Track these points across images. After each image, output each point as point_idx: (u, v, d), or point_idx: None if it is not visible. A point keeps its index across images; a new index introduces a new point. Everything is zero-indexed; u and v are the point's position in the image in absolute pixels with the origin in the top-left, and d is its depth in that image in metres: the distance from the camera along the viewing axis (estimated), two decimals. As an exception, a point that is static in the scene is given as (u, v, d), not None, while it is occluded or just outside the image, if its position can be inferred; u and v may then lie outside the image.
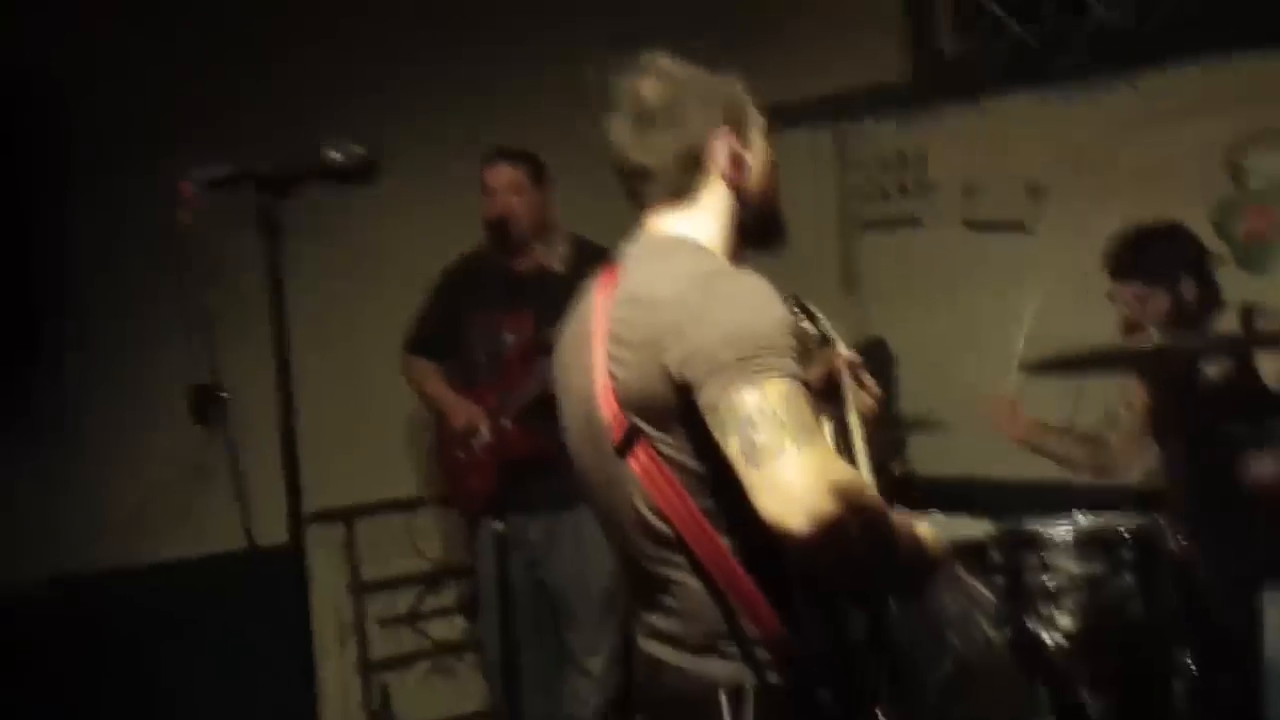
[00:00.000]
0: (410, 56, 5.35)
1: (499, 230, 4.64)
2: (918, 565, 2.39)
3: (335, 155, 2.20)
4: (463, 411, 4.71)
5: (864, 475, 2.45)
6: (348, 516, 5.18)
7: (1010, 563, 3.61)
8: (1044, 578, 3.52)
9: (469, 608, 5.42)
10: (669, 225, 2.43)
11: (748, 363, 2.13)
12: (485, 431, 4.65)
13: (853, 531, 2.09)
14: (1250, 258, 4.78)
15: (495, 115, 5.34)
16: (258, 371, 4.86)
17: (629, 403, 2.26)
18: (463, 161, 4.83)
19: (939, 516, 4.61)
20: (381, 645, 5.33)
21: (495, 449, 4.65)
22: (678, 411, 2.21)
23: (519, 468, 4.59)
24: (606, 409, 2.29)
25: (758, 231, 2.48)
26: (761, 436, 2.10)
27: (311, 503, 4.93)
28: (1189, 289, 4.13)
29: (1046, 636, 3.49)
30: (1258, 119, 4.72)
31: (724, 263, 2.38)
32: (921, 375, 5.47)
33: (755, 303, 2.22)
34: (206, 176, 2.13)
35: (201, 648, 4.80)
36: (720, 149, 2.41)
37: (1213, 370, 4.19)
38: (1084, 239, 4.80)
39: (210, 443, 4.88)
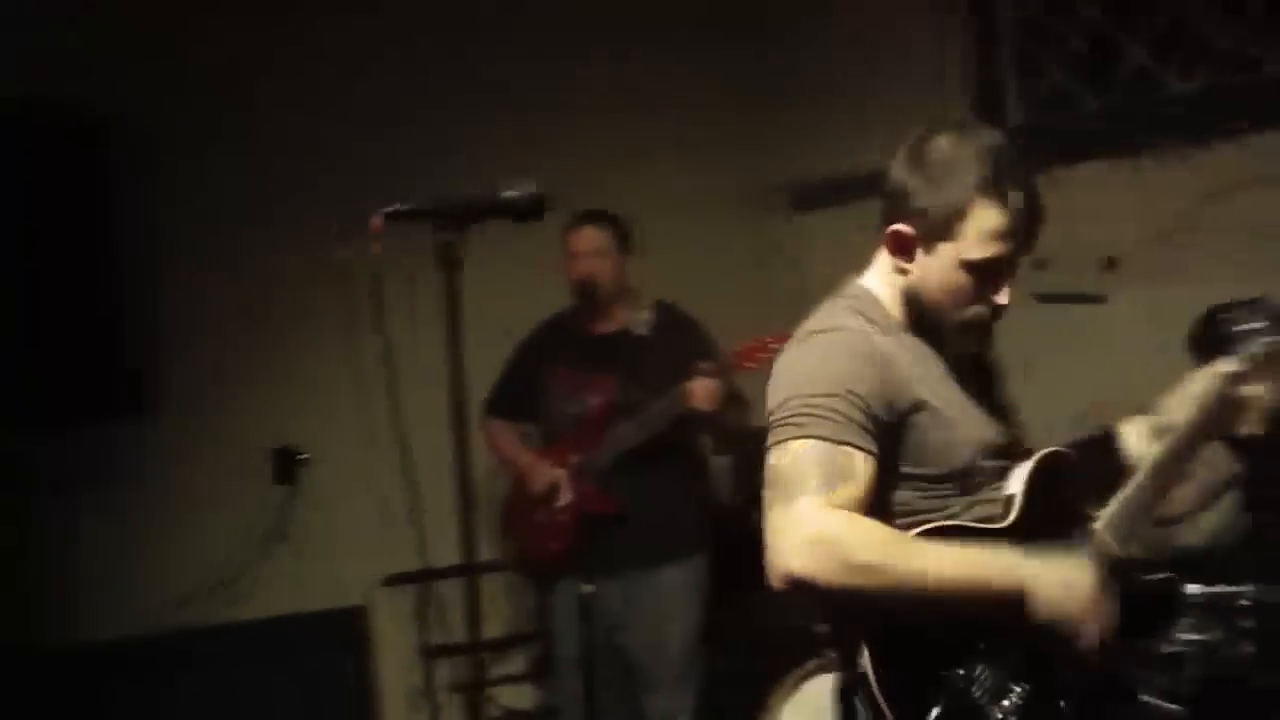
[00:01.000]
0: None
1: (583, 293, 4.64)
2: (978, 600, 2.36)
3: (512, 193, 2.19)
4: (543, 473, 4.68)
5: None
6: (419, 580, 5.11)
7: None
8: (1161, 646, 3.46)
9: (538, 674, 5.36)
10: (871, 268, 2.60)
11: (785, 423, 2.37)
12: (567, 492, 4.62)
13: (838, 582, 2.25)
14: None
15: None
16: (338, 432, 4.93)
17: None
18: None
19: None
20: (450, 712, 5.25)
21: (575, 510, 4.61)
22: None
23: (598, 529, 4.56)
24: None
25: (925, 329, 2.56)
26: (770, 493, 2.34)
27: (384, 567, 5.01)
28: None
29: (1163, 706, 3.42)
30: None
31: (849, 322, 2.49)
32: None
33: (821, 366, 2.40)
34: (390, 211, 2.13)
35: (273, 710, 4.74)
36: (892, 241, 2.51)
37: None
38: (1161, 310, 4.78)
39: (291, 503, 4.93)
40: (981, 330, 2.53)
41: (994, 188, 2.40)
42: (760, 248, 5.74)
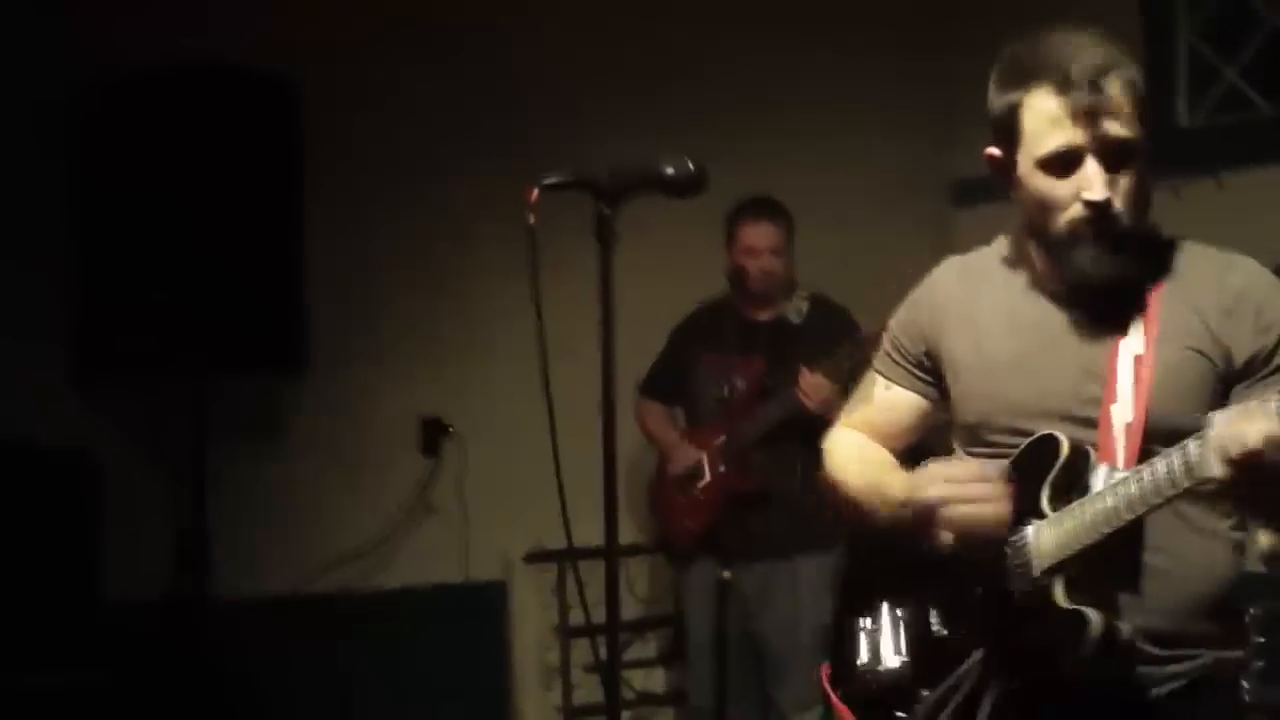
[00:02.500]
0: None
1: (754, 288, 4.62)
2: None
3: (669, 170, 2.19)
4: (684, 454, 4.70)
5: None
6: (558, 559, 5.14)
7: (1272, 644, 3.47)
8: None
9: (670, 659, 5.37)
10: None
11: None
12: (706, 473, 4.63)
13: (828, 487, 2.59)
14: None
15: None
16: (488, 405, 4.97)
17: None
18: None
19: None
20: (584, 691, 5.27)
21: (714, 491, 4.62)
22: None
23: (737, 512, 4.56)
24: None
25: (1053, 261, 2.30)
26: None
27: (525, 543, 5.05)
28: None
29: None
30: None
31: (966, 258, 2.51)
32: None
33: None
34: (549, 182, 2.14)
35: (410, 677, 4.81)
36: (989, 168, 2.33)
37: None
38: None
39: (437, 474, 4.99)
40: (1088, 239, 2.18)
41: (1044, 71, 2.16)
42: (918, 241, 5.66)
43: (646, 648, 5.43)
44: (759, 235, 4.64)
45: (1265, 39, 5.41)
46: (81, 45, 4.20)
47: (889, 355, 2.53)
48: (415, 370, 4.93)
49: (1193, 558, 2.24)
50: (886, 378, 2.54)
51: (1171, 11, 5.62)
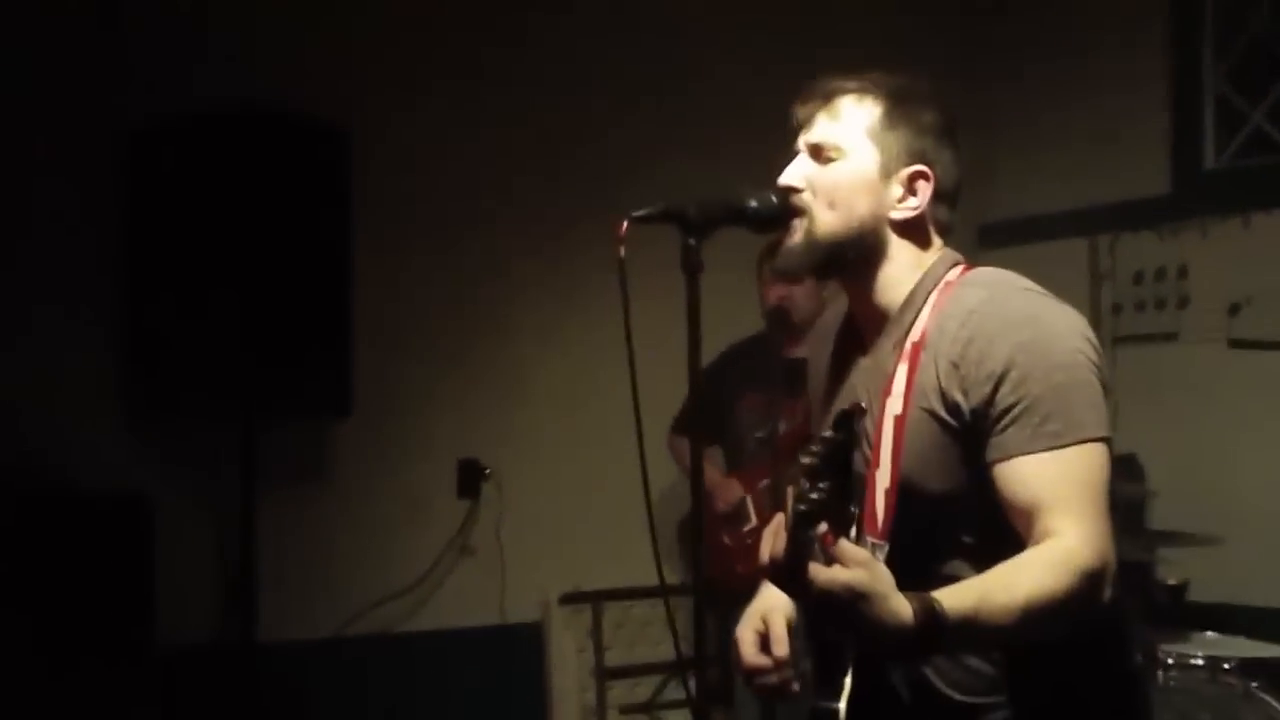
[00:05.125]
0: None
1: (777, 318, 4.64)
2: None
3: (753, 203, 2.23)
4: (730, 493, 4.69)
5: None
6: (595, 600, 5.15)
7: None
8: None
9: (711, 699, 5.36)
10: None
11: None
12: (753, 516, 4.63)
13: None
14: None
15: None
16: (521, 445, 4.99)
17: None
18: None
19: (1213, 636, 4.48)
20: (620, 732, 5.29)
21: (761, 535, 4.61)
22: None
23: (784, 556, 4.55)
24: None
25: None
26: None
27: (561, 584, 5.06)
28: None
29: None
30: None
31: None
32: (1176, 493, 5.28)
33: None
34: (639, 214, 2.16)
35: (449, 718, 4.84)
36: None
37: None
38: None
39: (474, 516, 5.00)
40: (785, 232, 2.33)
41: None
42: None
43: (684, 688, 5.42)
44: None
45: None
46: (135, 88, 4.24)
47: None
48: (453, 413, 4.94)
49: None
50: None
51: (1198, 56, 5.67)
